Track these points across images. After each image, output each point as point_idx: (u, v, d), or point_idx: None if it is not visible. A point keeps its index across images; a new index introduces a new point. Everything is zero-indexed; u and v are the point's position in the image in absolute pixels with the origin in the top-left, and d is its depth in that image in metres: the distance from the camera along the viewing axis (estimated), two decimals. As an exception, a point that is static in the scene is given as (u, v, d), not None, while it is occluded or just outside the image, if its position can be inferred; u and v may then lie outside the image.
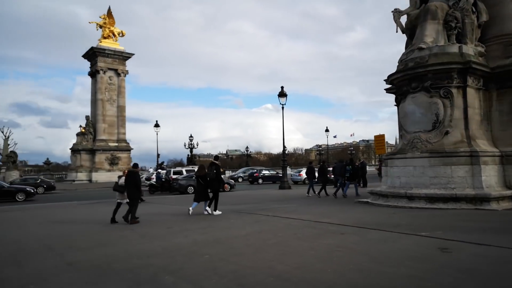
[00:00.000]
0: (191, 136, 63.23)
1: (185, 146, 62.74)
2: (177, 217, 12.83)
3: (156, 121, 46.96)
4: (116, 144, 52.78)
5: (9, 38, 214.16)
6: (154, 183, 28.83)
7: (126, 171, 12.24)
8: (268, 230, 9.70)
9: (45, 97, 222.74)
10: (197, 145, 64.11)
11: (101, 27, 53.59)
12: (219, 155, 28.98)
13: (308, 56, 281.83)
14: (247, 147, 73.34)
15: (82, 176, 47.81)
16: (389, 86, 16.44)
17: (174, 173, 29.39)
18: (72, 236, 9.78)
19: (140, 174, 12.57)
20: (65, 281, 5.83)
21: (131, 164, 13.20)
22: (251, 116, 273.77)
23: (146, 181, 30.83)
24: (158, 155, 48.24)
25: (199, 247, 7.97)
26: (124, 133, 54.39)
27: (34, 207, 19.32)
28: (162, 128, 46.21)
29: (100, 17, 54.16)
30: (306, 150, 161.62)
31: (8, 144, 65.81)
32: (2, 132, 63.50)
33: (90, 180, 48.92)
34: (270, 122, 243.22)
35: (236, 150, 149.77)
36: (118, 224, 11.45)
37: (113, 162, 51.51)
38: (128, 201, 11.74)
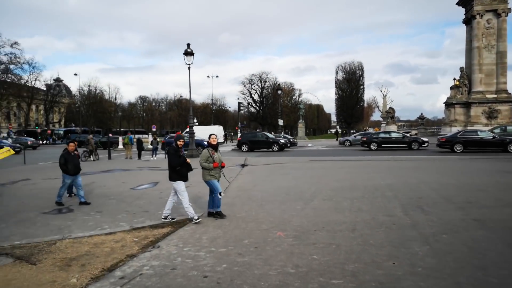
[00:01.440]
0: None
1: None
2: None
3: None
4: (495, 95, 46.77)
5: (381, 4, 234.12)
6: None
7: None
8: None
9: (415, 55, 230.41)
10: None
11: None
12: None
13: None
14: None
15: (456, 130, 46.16)
16: None
17: None
18: (472, 191, 9.25)
19: None
20: (478, 237, 5.43)
21: None
22: None
23: None
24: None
25: None
26: (505, 83, 47.22)
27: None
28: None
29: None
30: None
31: (386, 102, 73.60)
32: (381, 91, 71.67)
33: (464, 135, 46.56)
34: None
35: None
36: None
37: (491, 115, 46.27)
38: None
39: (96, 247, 5.44)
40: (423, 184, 10.40)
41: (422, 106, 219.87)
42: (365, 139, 28.85)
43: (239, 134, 40.37)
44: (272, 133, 42.59)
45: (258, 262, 4.62)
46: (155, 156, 23.42)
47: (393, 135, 29.12)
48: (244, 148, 28.92)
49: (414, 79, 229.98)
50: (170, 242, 5.60)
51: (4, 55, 54.52)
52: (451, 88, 50.38)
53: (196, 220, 6.65)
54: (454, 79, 50.23)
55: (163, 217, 6.99)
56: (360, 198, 8.59)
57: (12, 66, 55.81)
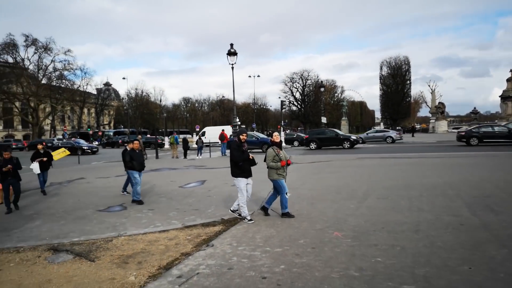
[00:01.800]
0: None
1: None
2: None
3: None
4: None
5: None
6: None
7: None
8: None
9: (465, 48, 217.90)
10: None
11: None
12: None
13: None
14: None
15: (514, 125, 42.99)
16: None
17: None
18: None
19: None
20: None
21: None
22: None
23: None
24: None
25: None
26: None
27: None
28: None
29: None
30: None
31: (435, 97, 70.09)
32: (429, 86, 68.37)
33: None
34: None
35: None
36: None
37: (554, 108, 42.74)
38: None
39: (151, 245, 5.44)
40: (486, 181, 9.62)
41: (473, 100, 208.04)
42: (463, 133, 26.36)
43: (282, 133, 39.99)
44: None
45: (317, 263, 4.37)
46: (201, 155, 23.73)
47: (496, 129, 26.06)
48: (313, 145, 27.56)
49: (464, 73, 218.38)
50: (223, 241, 5.48)
51: (59, 62, 58.03)
52: (508, 80, 47.03)
53: (249, 220, 6.52)
54: (511, 70, 46.86)
55: (231, 209, 7.02)
56: (419, 197, 8.06)
57: (66, 72, 59.28)
